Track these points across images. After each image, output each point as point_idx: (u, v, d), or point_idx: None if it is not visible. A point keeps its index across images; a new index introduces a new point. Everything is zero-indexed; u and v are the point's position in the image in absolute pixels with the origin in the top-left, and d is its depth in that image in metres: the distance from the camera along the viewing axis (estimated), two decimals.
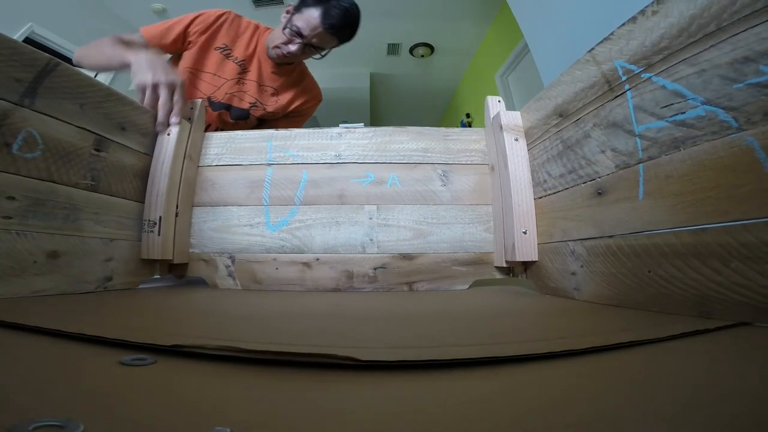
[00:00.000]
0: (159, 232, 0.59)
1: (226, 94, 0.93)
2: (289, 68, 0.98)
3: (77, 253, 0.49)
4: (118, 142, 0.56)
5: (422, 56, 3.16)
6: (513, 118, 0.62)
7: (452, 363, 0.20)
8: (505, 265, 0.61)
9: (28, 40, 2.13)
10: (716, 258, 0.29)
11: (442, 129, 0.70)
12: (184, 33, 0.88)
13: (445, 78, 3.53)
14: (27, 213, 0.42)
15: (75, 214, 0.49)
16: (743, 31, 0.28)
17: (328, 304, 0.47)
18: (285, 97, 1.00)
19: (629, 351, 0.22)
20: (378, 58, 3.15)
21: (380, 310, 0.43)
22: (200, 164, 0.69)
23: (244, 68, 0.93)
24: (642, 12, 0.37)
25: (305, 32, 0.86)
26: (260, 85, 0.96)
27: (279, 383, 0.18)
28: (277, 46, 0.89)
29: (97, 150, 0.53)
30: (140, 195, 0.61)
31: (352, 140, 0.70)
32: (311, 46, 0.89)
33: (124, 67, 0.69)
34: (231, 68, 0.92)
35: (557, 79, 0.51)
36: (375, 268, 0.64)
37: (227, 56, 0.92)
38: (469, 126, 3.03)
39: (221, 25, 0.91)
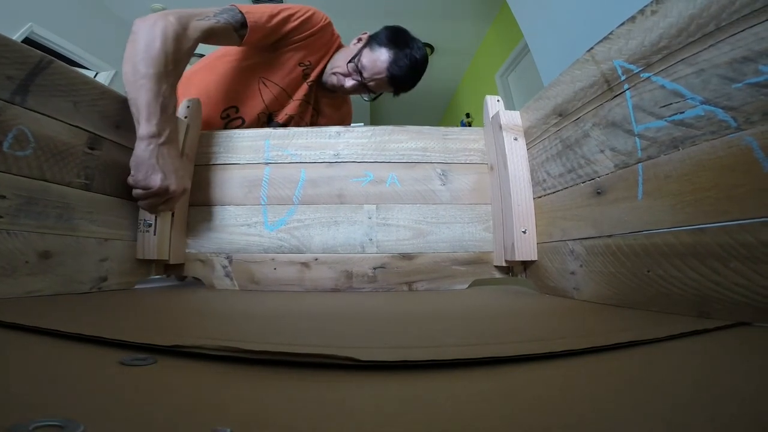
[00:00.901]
0: (155, 231, 0.59)
1: (287, 115, 0.85)
2: (336, 94, 0.90)
3: (71, 253, 0.48)
4: (112, 141, 0.56)
5: None
6: (512, 118, 0.62)
7: (452, 363, 0.20)
8: (504, 264, 0.61)
9: (27, 40, 2.12)
10: (715, 258, 0.29)
11: (442, 128, 0.70)
12: (286, 35, 0.75)
13: (445, 78, 3.53)
14: (18, 212, 0.42)
15: (68, 213, 0.49)
16: (742, 30, 0.28)
17: (327, 305, 0.47)
18: (322, 123, 0.93)
19: (629, 351, 0.22)
20: None
21: (380, 310, 0.43)
22: (197, 163, 0.69)
23: (311, 90, 0.85)
24: (641, 12, 0.37)
25: (366, 73, 0.78)
26: (314, 109, 0.89)
27: (279, 383, 0.18)
28: (335, 74, 0.81)
29: (91, 148, 0.52)
30: None
31: (350, 139, 0.70)
32: (366, 88, 0.81)
33: (133, 114, 0.52)
34: (303, 90, 0.83)
35: (556, 78, 0.51)
36: (374, 268, 0.64)
37: (305, 76, 0.82)
38: (469, 126, 3.03)
39: (317, 39, 0.79)
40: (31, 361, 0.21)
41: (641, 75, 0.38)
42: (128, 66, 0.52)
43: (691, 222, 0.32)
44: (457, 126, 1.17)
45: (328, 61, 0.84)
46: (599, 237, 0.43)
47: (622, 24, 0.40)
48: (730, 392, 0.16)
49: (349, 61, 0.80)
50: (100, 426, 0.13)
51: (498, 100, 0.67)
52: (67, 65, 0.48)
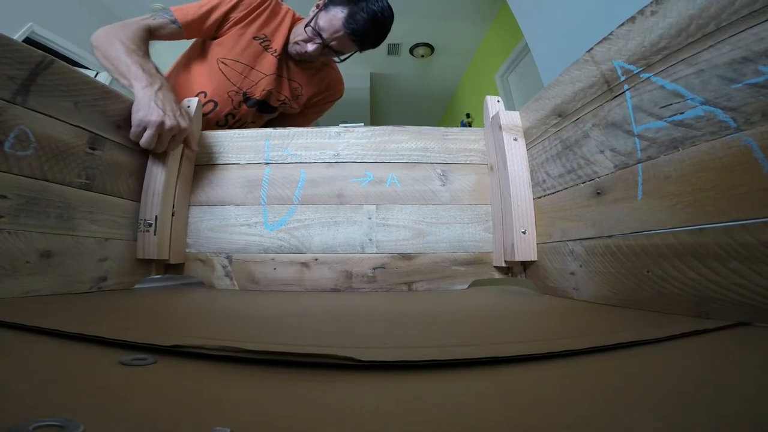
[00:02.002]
0: (155, 231, 0.59)
1: (264, 90, 0.87)
2: (310, 64, 0.92)
3: (71, 252, 0.48)
4: (113, 141, 0.56)
5: (422, 56, 3.16)
6: (512, 118, 0.62)
7: (452, 363, 0.20)
8: (504, 264, 0.61)
9: (28, 40, 2.13)
10: (715, 258, 0.29)
11: (441, 128, 0.70)
12: (224, 18, 0.80)
13: (445, 78, 3.53)
14: (19, 212, 0.42)
15: (69, 213, 0.49)
16: (742, 31, 0.28)
17: (327, 305, 0.47)
18: (306, 94, 0.95)
19: (628, 351, 0.22)
20: (378, 58, 3.15)
21: (379, 310, 0.43)
22: (197, 163, 0.69)
23: (282, 62, 0.87)
24: (641, 12, 0.37)
25: (325, 33, 0.80)
26: (290, 80, 0.91)
27: (279, 383, 0.18)
28: (296, 43, 0.84)
29: (92, 148, 0.52)
30: (136, 194, 0.61)
31: (350, 139, 0.70)
32: (330, 49, 0.83)
33: (128, 87, 0.60)
34: (270, 62, 0.86)
35: (556, 79, 0.51)
36: (374, 268, 0.64)
37: (266, 48, 0.85)
38: (469, 126, 3.03)
39: (262, 12, 0.83)
40: (31, 361, 0.21)
41: (641, 75, 0.38)
42: (103, 61, 0.65)
43: (690, 222, 0.32)
44: (457, 126, 1.16)
45: (288, 35, 0.87)
46: (599, 237, 0.43)
47: (622, 24, 0.40)
48: (730, 392, 0.16)
49: (306, 26, 0.82)
50: (100, 426, 0.13)
51: (498, 101, 0.67)
52: (68, 65, 0.48)
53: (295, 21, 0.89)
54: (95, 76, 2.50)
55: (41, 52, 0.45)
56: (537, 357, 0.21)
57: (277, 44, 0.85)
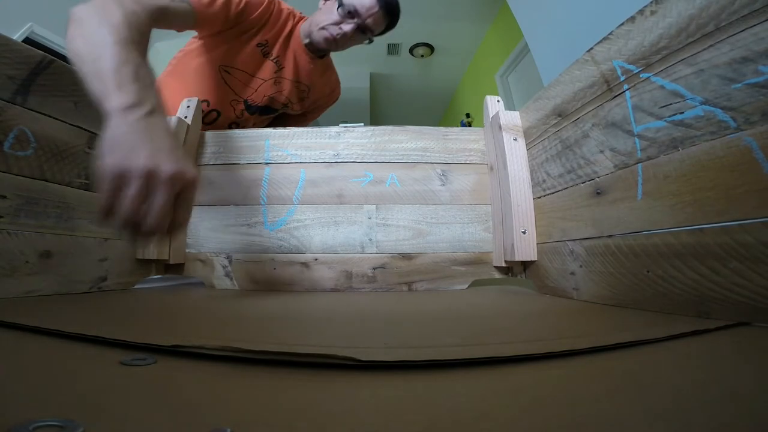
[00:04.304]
0: None
1: (265, 96, 0.85)
2: (322, 62, 0.89)
3: (70, 252, 0.48)
4: None
5: (422, 56, 3.16)
6: (512, 118, 0.62)
7: (451, 363, 0.20)
8: (504, 264, 0.62)
9: (28, 40, 2.13)
10: (714, 258, 0.29)
11: (441, 128, 0.70)
12: (236, 17, 0.73)
13: (445, 78, 3.53)
14: (19, 212, 0.42)
15: (68, 213, 0.49)
16: (742, 31, 0.28)
17: (326, 305, 0.47)
18: (312, 97, 0.93)
19: (628, 351, 0.22)
20: (378, 58, 3.15)
21: (379, 310, 0.43)
22: (197, 163, 0.69)
23: (279, 65, 0.84)
24: (641, 12, 0.37)
25: (361, 11, 0.77)
26: (297, 82, 0.88)
27: (279, 383, 0.18)
28: (324, 28, 0.79)
29: (92, 148, 0.52)
30: None
31: (350, 139, 0.70)
32: (364, 29, 0.80)
33: (97, 97, 0.37)
34: (269, 67, 0.83)
35: (556, 79, 0.51)
36: (374, 268, 0.64)
37: (266, 54, 0.82)
38: (469, 126, 3.03)
39: (269, 18, 0.79)
40: (31, 361, 0.21)
41: (641, 75, 0.38)
42: (78, 41, 0.40)
43: (690, 222, 0.32)
44: (457, 126, 1.16)
45: (291, 35, 0.83)
46: (599, 237, 0.43)
47: (622, 24, 0.40)
48: (730, 392, 0.16)
49: (339, 7, 0.78)
50: (100, 426, 0.13)
51: (498, 101, 0.67)
52: (68, 65, 0.48)
53: (298, 21, 0.86)
54: None
55: (41, 52, 0.45)
56: (537, 357, 0.21)
57: (276, 48, 0.83)
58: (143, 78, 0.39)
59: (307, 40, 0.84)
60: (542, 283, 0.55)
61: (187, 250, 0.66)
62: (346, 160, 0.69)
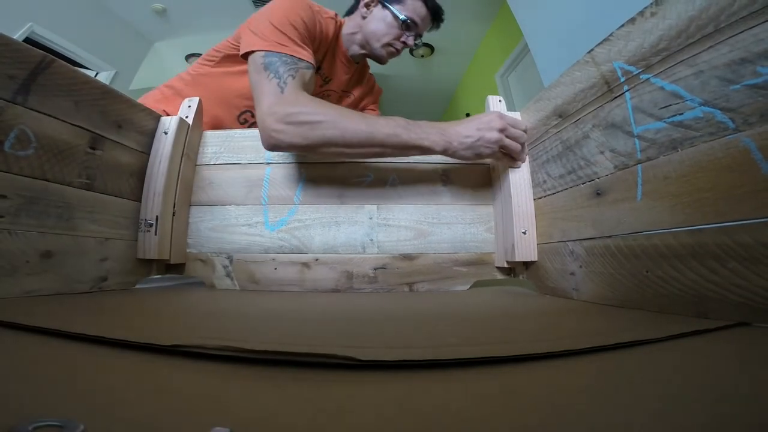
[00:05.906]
0: (155, 231, 0.59)
1: None
2: (361, 66, 0.87)
3: (71, 252, 0.48)
4: (114, 140, 0.56)
5: (422, 56, 3.16)
6: None
7: (452, 363, 0.20)
8: (505, 265, 0.62)
9: (28, 40, 2.13)
10: (714, 259, 0.29)
11: None
12: (312, 42, 0.68)
13: (445, 78, 3.53)
14: (19, 212, 0.42)
15: (69, 213, 0.49)
16: (741, 32, 0.28)
17: (327, 305, 0.47)
18: (357, 100, 0.91)
19: (628, 351, 0.22)
20: None
21: (380, 311, 0.43)
22: (198, 163, 0.69)
23: (325, 79, 0.80)
24: (641, 13, 0.38)
25: (419, 22, 0.78)
26: (344, 92, 0.86)
27: (279, 383, 0.19)
28: (389, 44, 0.78)
29: (92, 148, 0.52)
30: (137, 194, 0.61)
31: None
32: (417, 36, 0.80)
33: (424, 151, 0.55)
34: (317, 82, 0.79)
35: (556, 80, 0.51)
36: (375, 269, 0.64)
37: (317, 70, 0.76)
38: None
39: (320, 36, 0.73)
40: (31, 361, 0.21)
41: (641, 76, 0.38)
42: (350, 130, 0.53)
43: (689, 223, 0.32)
44: None
45: (333, 44, 0.77)
46: (599, 238, 0.43)
47: (622, 26, 0.40)
48: (730, 392, 0.16)
49: (401, 22, 0.77)
50: (100, 426, 0.13)
51: (500, 101, 0.67)
52: (69, 65, 0.48)
53: (339, 27, 0.79)
54: (95, 76, 2.50)
55: (41, 51, 0.45)
56: (537, 357, 0.21)
57: (326, 66, 0.78)
58: (406, 125, 0.55)
59: (361, 51, 0.81)
60: (542, 284, 0.55)
61: (187, 250, 0.66)
62: (347, 160, 0.69)
